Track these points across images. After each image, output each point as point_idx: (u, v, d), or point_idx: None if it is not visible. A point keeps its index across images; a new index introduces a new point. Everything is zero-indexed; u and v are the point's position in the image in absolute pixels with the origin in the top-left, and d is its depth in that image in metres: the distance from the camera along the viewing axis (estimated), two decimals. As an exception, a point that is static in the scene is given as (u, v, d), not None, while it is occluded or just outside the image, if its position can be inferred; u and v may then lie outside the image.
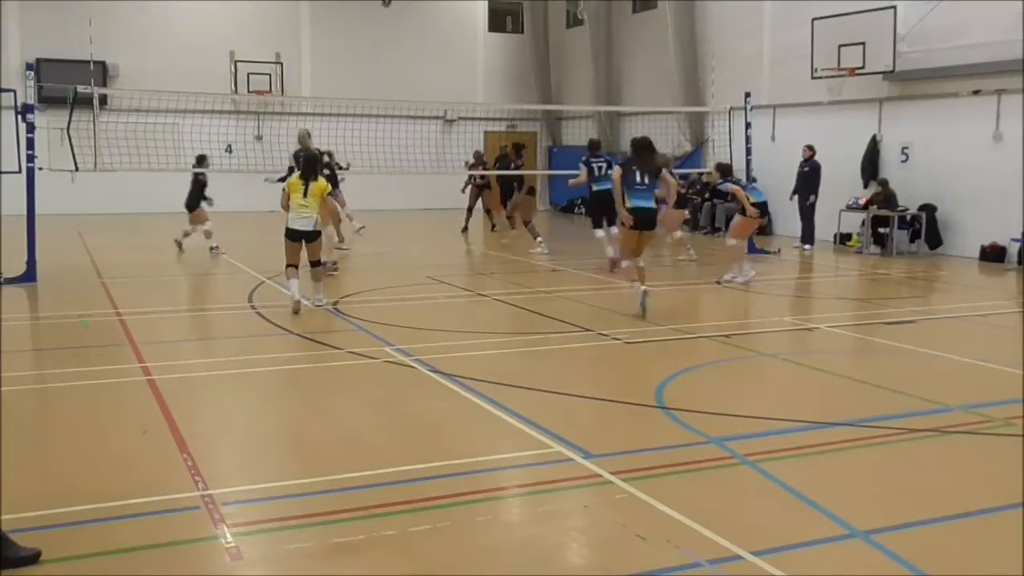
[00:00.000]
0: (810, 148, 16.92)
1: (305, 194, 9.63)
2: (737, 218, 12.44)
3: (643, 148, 9.63)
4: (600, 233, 14.09)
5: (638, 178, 9.37)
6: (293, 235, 9.75)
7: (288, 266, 9.90)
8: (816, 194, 16.68)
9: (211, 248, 15.00)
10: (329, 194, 9.70)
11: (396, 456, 5.34)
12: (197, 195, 15.15)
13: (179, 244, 15.36)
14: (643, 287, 9.47)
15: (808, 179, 16.74)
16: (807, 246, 16.71)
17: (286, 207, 9.82)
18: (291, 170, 11.96)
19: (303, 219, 9.65)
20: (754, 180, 15.24)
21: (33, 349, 8.56)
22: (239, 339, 8.87)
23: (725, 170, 12.88)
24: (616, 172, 9.51)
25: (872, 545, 4.17)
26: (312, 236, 9.79)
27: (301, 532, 4.29)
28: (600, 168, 13.97)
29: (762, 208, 12.36)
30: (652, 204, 9.49)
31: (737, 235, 12.49)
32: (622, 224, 9.55)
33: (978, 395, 6.85)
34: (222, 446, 5.72)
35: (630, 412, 6.36)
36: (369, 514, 4.49)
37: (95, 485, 4.85)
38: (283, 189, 9.70)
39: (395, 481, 4.90)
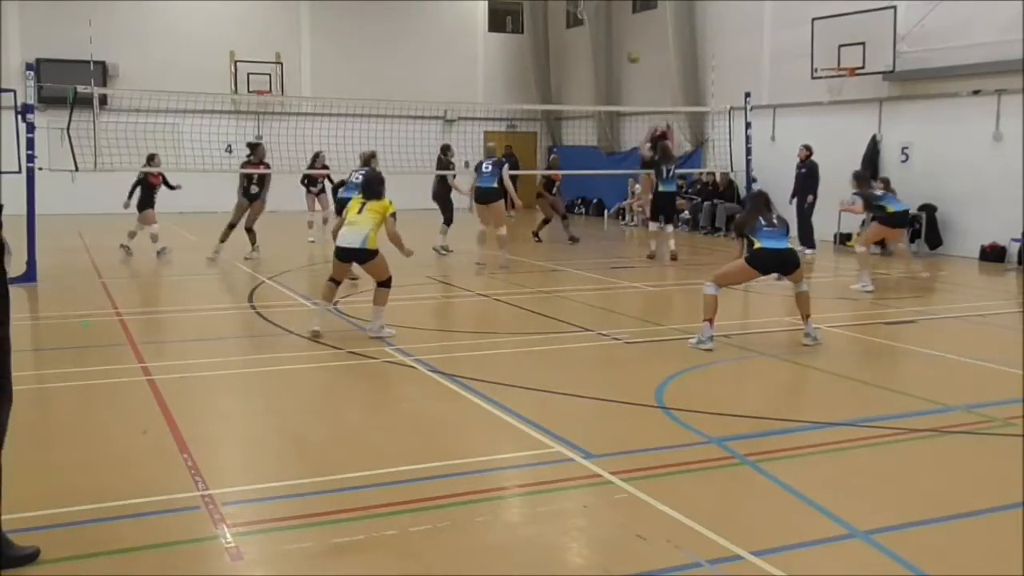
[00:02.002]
0: (807, 148, 16.46)
1: (360, 211, 8.61)
2: (873, 224, 12.36)
3: (767, 201, 8.78)
4: (654, 227, 15.23)
5: (763, 222, 8.53)
6: (339, 254, 8.63)
7: (328, 280, 8.82)
8: (815, 195, 16.26)
9: (159, 251, 14.55)
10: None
11: (396, 456, 5.33)
12: (148, 195, 14.80)
13: (127, 248, 14.88)
14: (811, 325, 8.60)
15: (804, 180, 16.25)
16: (808, 250, 16.36)
17: (336, 232, 8.86)
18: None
19: (351, 235, 8.52)
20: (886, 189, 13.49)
21: (33, 349, 8.55)
22: (239, 339, 8.88)
23: (862, 179, 12.46)
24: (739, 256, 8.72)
25: (872, 545, 4.16)
26: (363, 257, 8.55)
27: (301, 532, 4.29)
28: (667, 171, 14.99)
29: (900, 217, 12.14)
30: (786, 244, 8.54)
31: (866, 241, 12.52)
32: (745, 261, 8.54)
33: (978, 395, 6.84)
34: (222, 446, 5.73)
35: (630, 412, 6.35)
36: (369, 514, 4.49)
37: (95, 485, 4.85)
38: (343, 213, 8.78)
39: (395, 481, 4.90)
